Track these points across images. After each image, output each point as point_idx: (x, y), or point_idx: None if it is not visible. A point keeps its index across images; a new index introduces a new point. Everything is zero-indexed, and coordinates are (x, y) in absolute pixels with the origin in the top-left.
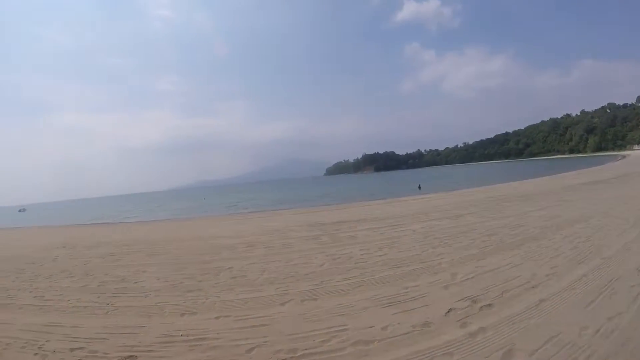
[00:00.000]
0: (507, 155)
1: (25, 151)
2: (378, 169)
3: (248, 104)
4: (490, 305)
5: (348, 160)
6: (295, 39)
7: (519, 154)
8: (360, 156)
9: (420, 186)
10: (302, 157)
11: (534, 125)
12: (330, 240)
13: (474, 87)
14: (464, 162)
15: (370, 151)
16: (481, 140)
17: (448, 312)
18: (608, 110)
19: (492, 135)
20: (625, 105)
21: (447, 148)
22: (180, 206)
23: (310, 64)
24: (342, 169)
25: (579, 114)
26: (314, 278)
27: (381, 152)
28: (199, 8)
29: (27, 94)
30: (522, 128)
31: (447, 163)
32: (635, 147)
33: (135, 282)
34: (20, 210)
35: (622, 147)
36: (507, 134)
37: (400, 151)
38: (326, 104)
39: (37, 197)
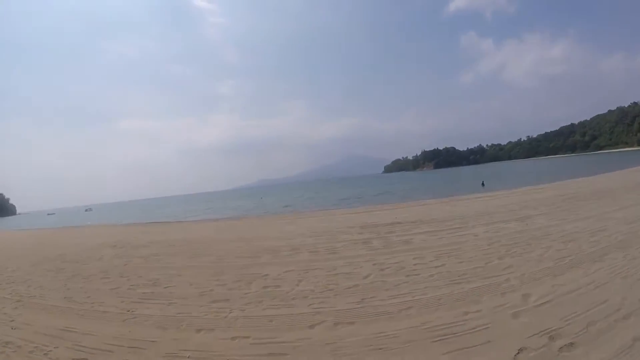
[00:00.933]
0: (573, 148)
1: (96, 156)
2: (438, 166)
3: (308, 103)
4: (572, 344)
5: (407, 157)
6: (352, 37)
7: (584, 147)
8: (419, 153)
9: (484, 183)
10: (361, 154)
11: (600, 115)
12: (382, 245)
13: (536, 75)
14: (528, 157)
15: (429, 147)
16: (545, 133)
17: (518, 353)
18: None
19: (557, 127)
20: None
21: (510, 142)
22: (238, 205)
23: (367, 61)
24: (401, 166)
25: None
26: (355, 293)
27: (441, 147)
28: (251, 13)
29: (97, 103)
30: (588, 119)
31: (510, 158)
32: None
33: (166, 287)
34: (86, 210)
35: None
36: (572, 125)
37: (461, 146)
38: (384, 101)
39: (105, 198)
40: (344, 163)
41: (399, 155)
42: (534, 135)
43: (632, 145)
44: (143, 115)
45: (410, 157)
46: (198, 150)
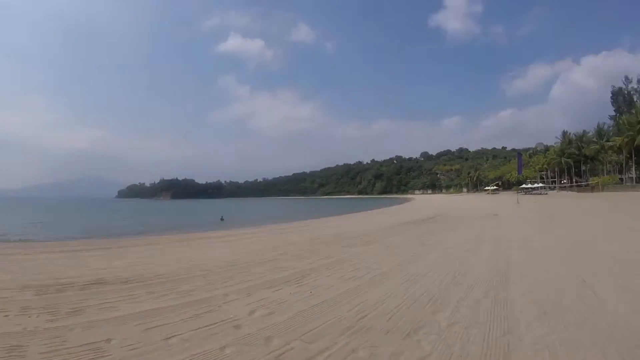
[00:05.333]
0: (303, 192)
1: None
2: (175, 196)
3: (50, 103)
4: None
5: (144, 183)
6: (118, 38)
7: (313, 192)
8: (157, 180)
9: (223, 218)
10: (97, 174)
11: (329, 168)
12: None
13: (281, 128)
14: (262, 196)
15: (169, 176)
16: (280, 176)
17: None
18: (395, 162)
19: (290, 174)
20: (410, 159)
21: (247, 181)
22: None
23: (123, 74)
24: (137, 192)
25: (369, 162)
26: None
27: (180, 178)
28: None
29: None
30: (319, 170)
31: (245, 196)
32: (417, 192)
33: None
34: None
35: (404, 191)
36: (304, 173)
37: (200, 180)
38: (133, 120)
39: None
40: (78, 182)
41: (136, 179)
42: (269, 178)
43: (353, 194)
44: None
45: (147, 184)
46: None
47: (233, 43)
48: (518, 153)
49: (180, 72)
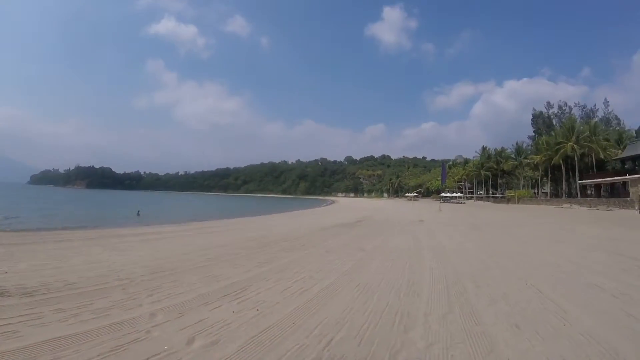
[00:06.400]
0: (225, 188)
1: None
2: (91, 185)
3: None
4: None
5: (58, 170)
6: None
7: (236, 189)
8: (72, 167)
9: (140, 212)
10: (7, 156)
11: (253, 165)
12: None
13: (205, 120)
14: (183, 190)
15: (85, 163)
16: (202, 171)
17: None
18: (320, 163)
19: (213, 169)
20: (335, 162)
21: (167, 174)
22: None
23: (40, 45)
24: (50, 179)
25: (294, 162)
26: None
27: (97, 166)
28: None
29: None
30: (243, 166)
31: (166, 189)
32: (340, 194)
33: None
34: None
35: (328, 193)
36: (227, 169)
37: (118, 169)
38: (47, 100)
39: None
40: None
41: (49, 164)
42: (191, 172)
43: (277, 193)
44: None
45: (62, 171)
46: None
47: (166, 26)
48: (443, 163)
49: (106, 51)
